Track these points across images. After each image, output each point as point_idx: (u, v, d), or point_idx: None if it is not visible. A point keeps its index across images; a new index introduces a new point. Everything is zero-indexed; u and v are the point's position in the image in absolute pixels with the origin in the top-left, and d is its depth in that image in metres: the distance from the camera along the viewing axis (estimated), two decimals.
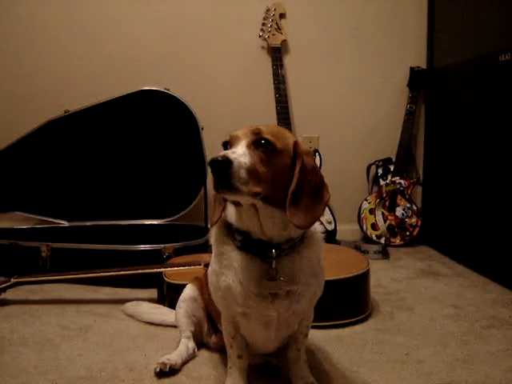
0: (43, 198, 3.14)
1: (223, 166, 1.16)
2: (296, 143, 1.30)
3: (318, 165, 3.30)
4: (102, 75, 3.34)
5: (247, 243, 1.33)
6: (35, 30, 3.31)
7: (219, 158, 1.16)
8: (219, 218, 1.36)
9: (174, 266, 2.27)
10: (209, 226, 1.45)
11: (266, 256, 1.32)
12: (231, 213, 1.35)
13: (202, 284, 1.78)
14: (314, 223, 1.31)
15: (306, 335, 1.53)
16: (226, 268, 1.36)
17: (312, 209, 1.28)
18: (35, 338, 1.93)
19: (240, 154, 1.20)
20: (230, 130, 1.32)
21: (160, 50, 3.37)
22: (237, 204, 1.31)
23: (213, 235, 1.42)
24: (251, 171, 1.19)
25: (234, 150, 1.21)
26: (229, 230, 1.37)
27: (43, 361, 1.73)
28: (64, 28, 3.31)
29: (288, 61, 3.45)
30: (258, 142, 1.23)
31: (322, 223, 3.22)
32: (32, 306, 2.29)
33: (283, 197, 1.26)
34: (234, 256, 1.35)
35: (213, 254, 1.43)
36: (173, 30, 3.37)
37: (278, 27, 3.35)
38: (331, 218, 3.31)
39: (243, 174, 1.17)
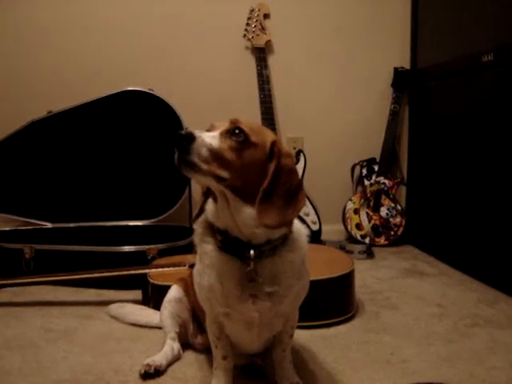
0: (26, 199, 3.11)
1: (185, 140, 1.17)
2: (275, 142, 1.30)
3: (303, 165, 3.30)
4: (86, 76, 3.31)
5: (227, 243, 1.33)
6: (19, 31, 3.28)
7: (183, 132, 1.18)
8: (199, 212, 1.38)
9: (158, 267, 2.27)
10: (192, 222, 1.44)
11: (245, 257, 1.32)
12: (211, 210, 1.35)
13: (187, 285, 1.78)
14: (282, 225, 1.29)
15: (291, 336, 1.53)
16: (208, 268, 1.36)
17: (283, 211, 1.27)
18: (19, 340, 1.91)
19: (209, 135, 1.22)
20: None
21: (144, 51, 3.35)
22: (214, 198, 1.32)
23: (196, 235, 1.42)
24: (216, 153, 1.20)
25: (208, 133, 1.23)
26: (211, 230, 1.37)
27: (27, 363, 1.72)
28: (47, 29, 3.29)
29: (272, 61, 3.44)
30: (233, 131, 1.24)
31: (307, 225, 3.22)
32: (15, 308, 2.27)
33: (256, 193, 1.26)
34: (215, 256, 1.34)
35: (197, 254, 1.43)
36: (157, 30, 3.36)
37: (263, 27, 3.35)
38: (316, 219, 3.31)
39: (204, 152, 1.18)
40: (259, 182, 1.26)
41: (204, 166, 1.19)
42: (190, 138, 1.17)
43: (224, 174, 1.22)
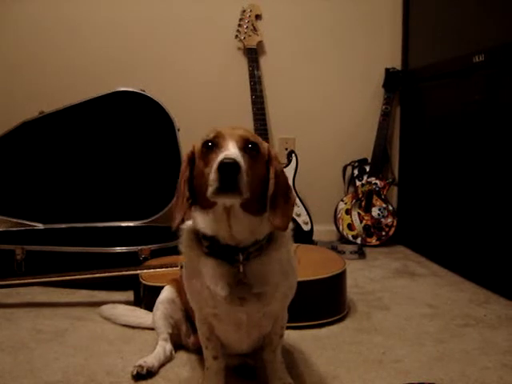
0: (18, 200, 3.10)
1: (234, 169, 1.13)
2: (269, 147, 1.32)
3: (295, 166, 3.30)
4: (79, 76, 3.31)
5: (214, 249, 1.32)
6: (11, 31, 3.27)
7: (230, 161, 1.13)
8: (180, 222, 1.35)
9: (150, 268, 2.26)
10: (172, 229, 1.41)
11: (233, 260, 1.31)
12: (197, 218, 1.33)
13: (180, 285, 1.77)
14: (289, 223, 1.31)
15: (281, 336, 1.53)
16: (196, 273, 1.36)
17: (286, 210, 1.30)
18: (10, 341, 1.90)
19: (239, 156, 1.18)
20: (214, 127, 1.28)
21: (136, 51, 3.35)
22: (205, 207, 1.29)
23: (182, 241, 1.41)
24: (246, 175, 1.17)
25: (233, 152, 1.19)
26: (197, 235, 1.36)
27: (18, 365, 1.71)
28: (39, 29, 3.28)
29: (264, 62, 3.45)
30: (246, 146, 1.23)
31: (299, 226, 3.24)
32: (7, 309, 2.26)
33: (254, 200, 1.25)
34: (202, 261, 1.34)
35: (185, 257, 1.42)
36: (149, 31, 3.36)
37: (254, 28, 3.36)
38: (308, 219, 3.31)
39: (245, 177, 1.16)
40: (261, 190, 1.27)
41: (245, 192, 1.17)
42: (238, 166, 1.13)
43: (249, 193, 1.19)
